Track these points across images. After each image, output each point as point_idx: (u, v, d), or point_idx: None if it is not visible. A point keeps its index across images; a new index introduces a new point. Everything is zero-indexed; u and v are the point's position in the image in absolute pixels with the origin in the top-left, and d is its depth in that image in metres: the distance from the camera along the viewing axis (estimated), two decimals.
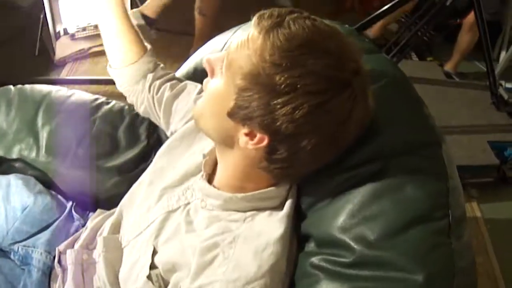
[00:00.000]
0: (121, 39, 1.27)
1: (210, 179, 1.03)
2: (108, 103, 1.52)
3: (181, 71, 1.47)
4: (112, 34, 1.27)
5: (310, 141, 0.85)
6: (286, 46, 0.81)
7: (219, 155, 1.00)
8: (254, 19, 0.86)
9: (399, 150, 0.93)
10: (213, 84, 0.92)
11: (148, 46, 1.31)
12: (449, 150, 0.98)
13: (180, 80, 1.31)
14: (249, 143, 0.88)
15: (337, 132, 0.87)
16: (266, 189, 0.96)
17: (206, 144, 1.10)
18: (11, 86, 1.49)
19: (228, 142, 0.93)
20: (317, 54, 0.81)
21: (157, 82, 1.28)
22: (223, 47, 1.34)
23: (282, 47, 0.81)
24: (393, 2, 2.59)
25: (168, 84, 1.28)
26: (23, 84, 1.52)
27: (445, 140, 0.99)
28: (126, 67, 1.29)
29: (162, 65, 1.33)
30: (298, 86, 0.80)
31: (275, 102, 0.82)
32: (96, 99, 1.51)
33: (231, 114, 0.88)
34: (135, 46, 1.28)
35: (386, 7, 2.61)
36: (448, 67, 3.50)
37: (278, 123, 0.83)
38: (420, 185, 0.90)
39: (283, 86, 0.80)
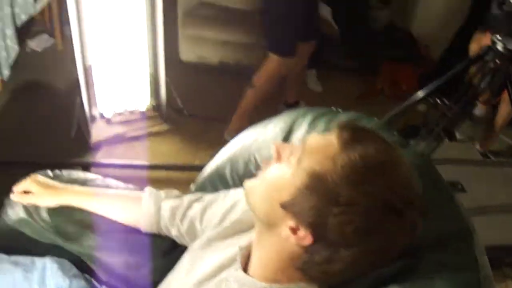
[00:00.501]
0: (115, 214, 1.37)
1: (244, 270, 1.03)
2: None
3: (215, 162, 1.47)
4: (109, 216, 1.37)
5: (351, 254, 0.86)
6: (360, 164, 0.83)
7: (257, 240, 1.01)
8: (335, 128, 0.90)
9: (430, 244, 0.93)
10: (277, 170, 0.94)
11: (144, 192, 1.36)
12: (479, 240, 0.97)
13: (196, 199, 1.32)
14: (292, 237, 0.89)
15: (379, 252, 0.88)
16: (299, 283, 0.96)
17: (242, 241, 1.10)
18: (49, 171, 1.53)
19: (271, 226, 0.94)
20: (384, 179, 0.84)
21: (177, 217, 1.30)
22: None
23: (356, 163, 0.84)
24: (426, 90, 2.54)
25: (189, 212, 1.29)
26: (59, 166, 1.56)
27: (476, 230, 0.98)
28: (141, 225, 1.34)
29: (162, 195, 1.35)
30: (358, 203, 0.83)
31: (331, 210, 0.84)
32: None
33: (284, 206, 0.89)
34: (129, 208, 1.36)
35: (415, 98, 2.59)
36: (481, 146, 3.50)
37: (327, 229, 0.85)
38: (451, 278, 0.89)
39: (345, 198, 0.83)
